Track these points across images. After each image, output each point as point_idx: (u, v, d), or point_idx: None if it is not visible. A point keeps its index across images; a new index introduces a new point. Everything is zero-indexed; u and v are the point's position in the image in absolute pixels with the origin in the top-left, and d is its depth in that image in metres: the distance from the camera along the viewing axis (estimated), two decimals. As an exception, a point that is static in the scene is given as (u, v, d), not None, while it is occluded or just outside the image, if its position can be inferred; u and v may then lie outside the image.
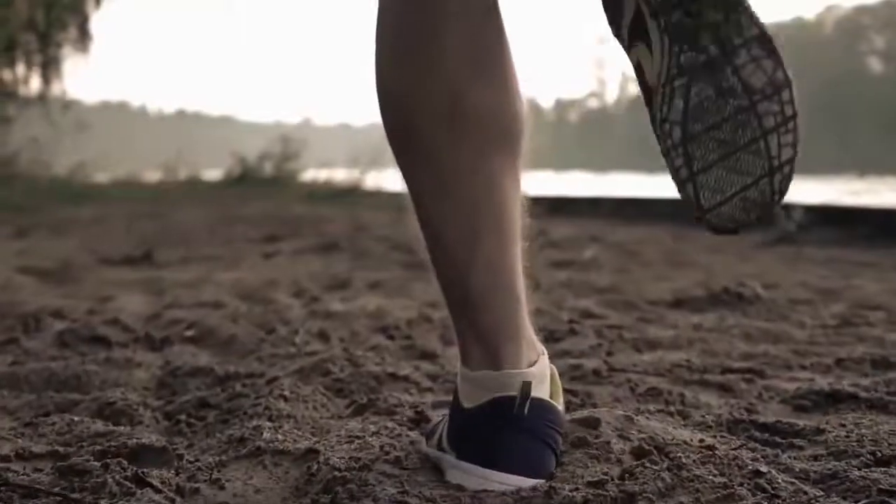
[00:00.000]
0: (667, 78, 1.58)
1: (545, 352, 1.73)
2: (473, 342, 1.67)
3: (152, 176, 21.13)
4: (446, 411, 1.77)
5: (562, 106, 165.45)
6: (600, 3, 1.66)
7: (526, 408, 1.61)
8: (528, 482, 1.58)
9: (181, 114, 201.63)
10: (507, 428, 1.61)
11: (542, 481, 1.58)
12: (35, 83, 21.75)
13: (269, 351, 2.71)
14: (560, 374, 1.78)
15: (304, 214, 10.45)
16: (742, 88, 1.54)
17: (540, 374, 1.66)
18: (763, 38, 1.56)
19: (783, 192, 1.58)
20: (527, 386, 1.61)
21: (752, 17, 1.57)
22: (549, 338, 2.91)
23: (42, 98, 21.25)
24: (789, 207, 8.54)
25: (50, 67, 21.80)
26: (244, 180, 18.49)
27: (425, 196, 1.67)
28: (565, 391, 1.86)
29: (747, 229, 1.61)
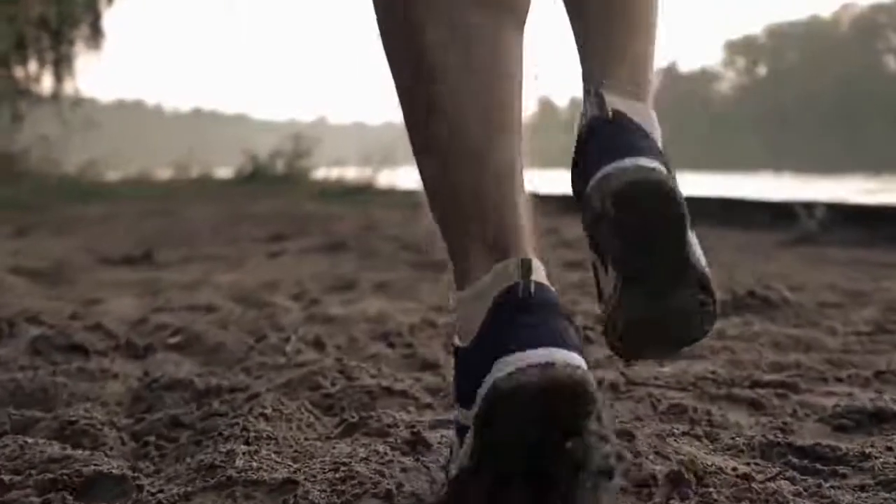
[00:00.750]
0: (616, 301, 1.66)
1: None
2: (479, 252, 1.50)
3: (164, 174, 20.99)
4: (447, 431, 1.62)
5: (576, 104, 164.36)
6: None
7: (532, 288, 1.42)
8: (567, 355, 1.34)
9: (197, 112, 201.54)
10: (522, 309, 1.39)
11: (577, 355, 1.35)
12: (47, 81, 21.68)
13: (257, 360, 2.49)
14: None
15: (314, 213, 10.23)
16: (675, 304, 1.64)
17: (540, 270, 1.49)
18: (702, 277, 1.67)
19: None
20: (527, 262, 1.45)
21: (696, 267, 1.66)
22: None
23: (54, 96, 21.15)
24: (810, 206, 8.32)
25: (62, 65, 21.69)
26: (255, 178, 18.30)
27: (445, 76, 1.50)
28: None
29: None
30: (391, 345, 2.71)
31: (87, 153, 20.39)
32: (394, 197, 12.87)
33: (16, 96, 20.43)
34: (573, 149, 1.69)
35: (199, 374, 2.35)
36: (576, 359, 1.35)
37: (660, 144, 1.68)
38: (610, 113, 1.65)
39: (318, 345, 2.67)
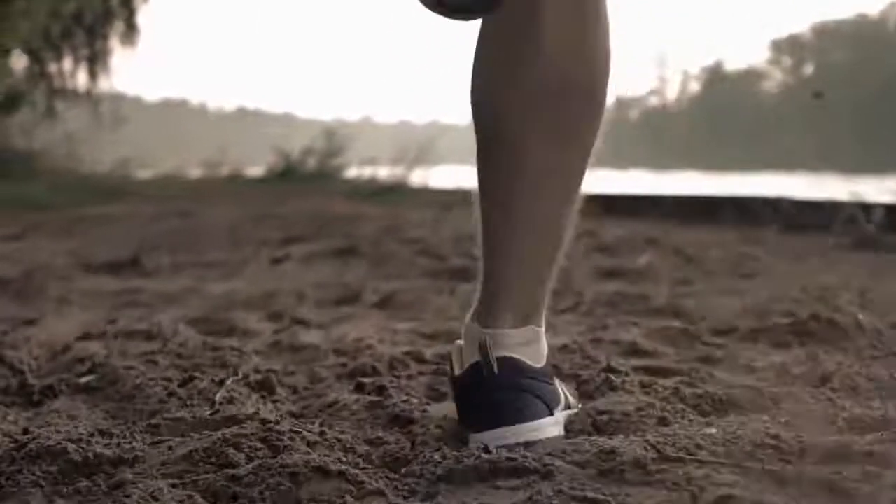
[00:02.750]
0: None
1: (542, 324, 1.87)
2: (500, 306, 1.80)
3: (195, 173, 20.56)
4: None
5: (622, 104, 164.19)
6: None
7: (494, 367, 1.73)
8: (511, 430, 1.70)
9: (241, 111, 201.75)
10: (482, 389, 1.73)
11: (546, 420, 1.73)
12: (82, 78, 21.33)
13: (173, 414, 1.90)
14: (586, 463, 1.58)
15: (339, 213, 9.65)
16: None
17: (521, 340, 1.79)
18: None
19: None
20: (483, 346, 1.73)
21: None
22: (578, 390, 2.10)
23: (88, 93, 20.80)
24: (868, 207, 7.70)
25: (97, 62, 21.32)
26: (286, 177, 17.77)
27: (498, 185, 1.77)
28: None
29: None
30: (359, 387, 2.11)
31: (121, 151, 20.05)
32: (425, 196, 12.30)
33: (50, 93, 20.05)
34: None
35: (86, 435, 1.75)
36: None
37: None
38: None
39: (265, 388, 2.08)
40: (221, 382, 2.04)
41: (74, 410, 1.97)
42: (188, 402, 1.96)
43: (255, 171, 20.17)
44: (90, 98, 20.57)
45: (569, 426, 1.80)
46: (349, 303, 4.13)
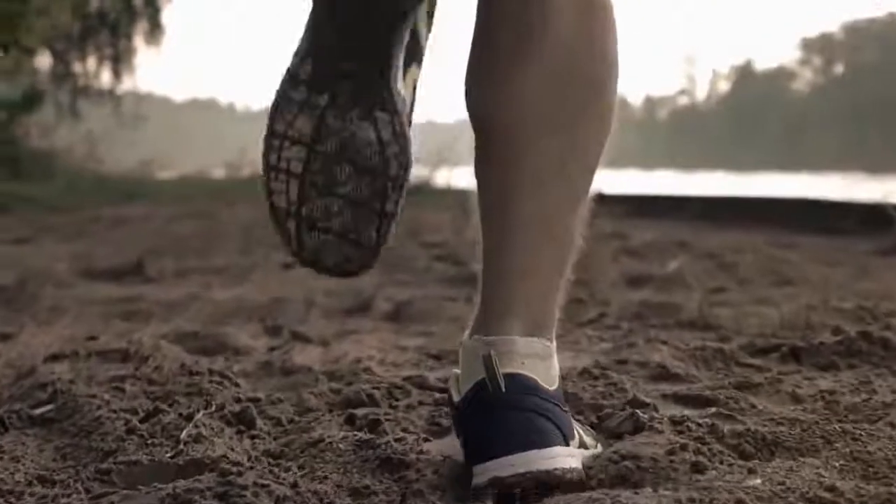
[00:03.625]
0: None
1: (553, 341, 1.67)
2: (505, 312, 1.63)
3: (218, 173, 20.37)
4: None
5: (651, 103, 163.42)
6: None
7: (501, 384, 1.53)
8: (522, 458, 1.47)
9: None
10: (487, 411, 1.53)
11: (555, 448, 1.49)
12: (106, 77, 21.24)
13: (129, 455, 1.62)
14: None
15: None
16: (336, 115, 1.49)
17: (530, 352, 1.59)
18: (379, 85, 1.48)
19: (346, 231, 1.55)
20: (488, 360, 1.53)
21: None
22: (599, 427, 1.83)
23: (112, 92, 20.70)
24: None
25: (121, 61, 21.23)
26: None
27: (509, 196, 1.64)
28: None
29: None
30: (350, 420, 1.84)
31: (145, 151, 19.93)
32: (449, 197, 12.03)
33: (75, 92, 19.93)
34: None
35: (23, 484, 1.50)
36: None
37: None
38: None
39: (242, 422, 1.81)
40: (190, 416, 1.77)
41: (21, 450, 1.70)
42: (149, 441, 1.69)
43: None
44: (113, 97, 20.45)
45: (588, 471, 1.53)
46: (359, 312, 3.89)
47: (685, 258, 5.63)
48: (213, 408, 1.82)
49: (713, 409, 1.93)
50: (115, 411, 1.84)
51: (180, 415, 1.78)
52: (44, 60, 18.90)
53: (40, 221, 9.11)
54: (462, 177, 15.66)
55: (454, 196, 11.93)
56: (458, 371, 1.62)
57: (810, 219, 8.24)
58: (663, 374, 2.23)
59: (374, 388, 2.03)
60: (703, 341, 2.79)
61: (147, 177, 18.07)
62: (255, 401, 1.96)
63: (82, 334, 2.96)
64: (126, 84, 22.20)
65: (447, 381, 1.80)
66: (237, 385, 2.14)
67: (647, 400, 1.86)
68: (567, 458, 1.51)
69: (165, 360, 2.34)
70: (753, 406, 1.97)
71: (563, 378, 1.74)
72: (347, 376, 2.15)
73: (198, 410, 1.81)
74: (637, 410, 1.78)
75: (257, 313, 3.73)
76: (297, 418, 1.88)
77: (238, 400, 1.96)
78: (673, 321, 3.26)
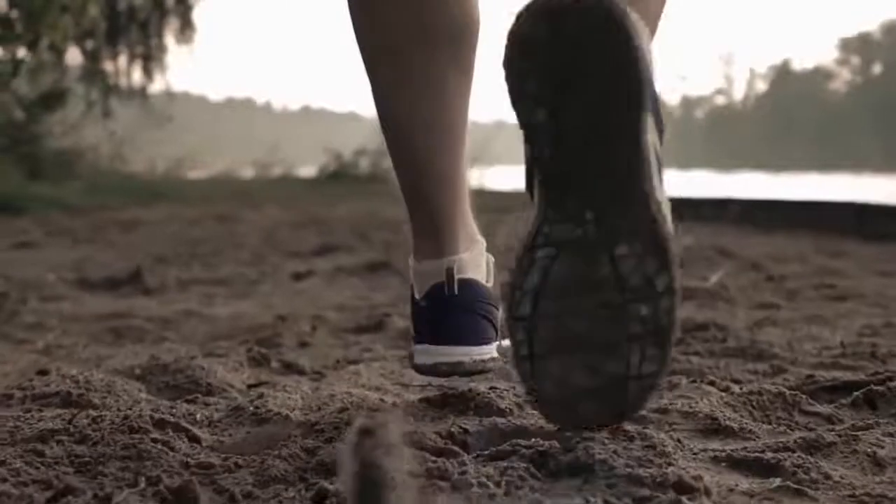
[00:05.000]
0: (531, 242, 1.48)
1: (483, 241, 1.99)
2: (422, 234, 1.93)
3: (247, 173, 20.12)
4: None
5: (688, 103, 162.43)
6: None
7: (455, 288, 1.87)
8: (473, 350, 1.89)
9: (306, 110, 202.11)
10: (443, 308, 1.88)
11: (487, 347, 1.90)
12: (137, 76, 21.03)
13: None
14: None
15: (386, 217, 9.00)
16: (614, 281, 1.42)
17: (472, 259, 1.91)
18: (655, 234, 1.44)
19: (637, 402, 1.47)
20: (450, 271, 1.87)
21: (650, 200, 1.44)
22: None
23: (143, 91, 20.50)
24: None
25: (152, 59, 21.03)
26: (338, 178, 17.23)
27: (392, 101, 1.86)
28: None
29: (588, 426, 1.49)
30: (320, 499, 1.46)
31: (175, 151, 19.72)
32: (480, 198, 11.60)
33: (106, 91, 19.70)
34: None
35: None
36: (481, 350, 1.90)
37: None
38: None
39: (180, 502, 1.42)
40: (108, 498, 1.38)
41: None
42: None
43: (308, 171, 19.68)
44: (144, 96, 20.24)
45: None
46: (370, 331, 3.52)
47: (727, 268, 5.22)
48: (144, 483, 1.42)
49: (777, 481, 1.54)
50: (23, 484, 1.45)
51: (96, 496, 1.39)
52: (74, 58, 18.67)
53: (53, 223, 8.80)
54: (493, 177, 15.30)
55: (486, 197, 11.55)
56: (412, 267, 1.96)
57: (859, 224, 7.80)
58: (713, 427, 1.83)
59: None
60: (758, 379, 2.39)
61: (176, 177, 17.80)
62: (206, 468, 1.57)
63: (44, 363, 2.59)
64: (158, 83, 22.02)
65: (447, 439, 1.61)
66: (193, 441, 1.75)
67: (695, 478, 1.45)
68: (494, 353, 1.94)
69: (112, 407, 1.95)
70: (827, 477, 1.57)
71: (592, 437, 1.60)
72: (328, 430, 1.75)
73: (121, 487, 1.42)
74: (683, 498, 1.38)
75: (255, 333, 3.37)
76: (254, 492, 1.49)
77: (185, 466, 1.57)
78: (719, 348, 2.85)
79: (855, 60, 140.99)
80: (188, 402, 2.08)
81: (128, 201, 11.94)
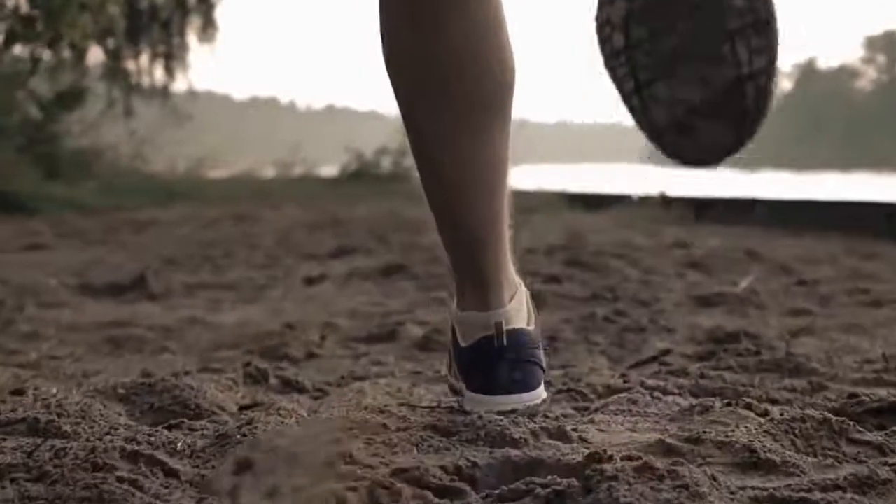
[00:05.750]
0: None
1: (521, 282, 1.97)
2: (466, 284, 1.92)
3: (268, 172, 19.95)
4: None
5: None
6: None
7: (504, 340, 1.88)
8: (527, 396, 1.90)
9: (330, 109, 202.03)
10: (494, 360, 1.89)
11: (538, 391, 1.93)
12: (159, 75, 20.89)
13: None
14: None
15: (407, 218, 8.81)
16: None
17: (516, 307, 1.91)
18: None
19: (760, 109, 1.39)
20: (499, 326, 1.88)
21: None
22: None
23: (165, 90, 20.37)
24: None
25: (174, 58, 20.89)
26: (359, 177, 17.04)
27: (429, 149, 1.84)
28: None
29: (721, 158, 1.36)
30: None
31: (197, 150, 19.59)
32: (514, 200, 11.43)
33: (128, 90, 19.57)
34: None
35: None
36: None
37: None
38: None
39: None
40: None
41: None
42: None
43: (330, 170, 19.51)
44: (166, 95, 20.12)
45: None
46: (382, 340, 3.35)
47: (757, 272, 5.02)
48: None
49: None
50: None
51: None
52: (96, 57, 18.57)
53: (67, 224, 8.64)
54: (517, 177, 15.05)
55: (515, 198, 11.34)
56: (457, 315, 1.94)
57: (891, 225, 7.57)
58: (752, 461, 1.63)
59: (348, 488, 1.45)
60: (797, 398, 2.20)
61: (196, 176, 17.65)
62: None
63: (25, 379, 2.41)
64: (180, 82, 21.89)
65: (453, 475, 1.37)
66: (169, 475, 1.56)
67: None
68: (544, 393, 1.96)
69: (82, 436, 1.77)
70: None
71: (615, 475, 1.46)
72: (319, 464, 1.57)
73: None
74: None
75: (260, 343, 3.20)
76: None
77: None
78: (753, 362, 2.64)
79: (881, 59, 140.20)
80: (171, 427, 1.90)
81: (145, 201, 11.77)
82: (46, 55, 15.07)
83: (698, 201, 10.29)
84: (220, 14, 24.87)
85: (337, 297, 4.35)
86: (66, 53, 15.37)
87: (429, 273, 4.84)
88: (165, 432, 1.81)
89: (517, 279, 1.97)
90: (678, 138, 1.44)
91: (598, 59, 1.43)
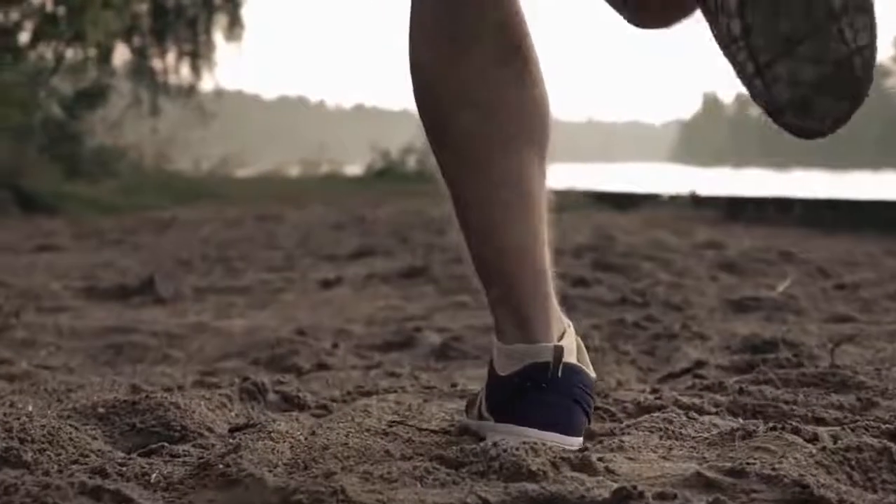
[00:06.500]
0: None
1: (570, 324, 1.82)
2: (506, 317, 1.79)
3: (294, 171, 19.84)
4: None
5: (743, 101, 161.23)
6: None
7: (560, 371, 1.72)
8: (563, 439, 1.69)
9: (359, 108, 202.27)
10: (541, 390, 1.72)
11: (578, 439, 1.72)
12: (185, 73, 20.81)
13: None
14: None
15: (430, 218, 8.61)
16: None
17: (568, 346, 1.76)
18: None
19: (868, 76, 1.49)
20: (559, 351, 1.73)
21: None
22: None
23: (192, 89, 20.30)
24: None
25: (200, 57, 20.80)
26: (385, 176, 16.87)
27: (455, 178, 1.78)
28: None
29: (836, 127, 1.51)
30: None
31: (227, 149, 19.51)
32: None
33: (154, 88, 19.50)
34: None
35: None
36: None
37: None
38: None
39: None
40: None
41: None
42: None
43: (357, 169, 19.37)
44: (192, 94, 20.04)
45: None
46: (398, 348, 3.18)
47: (794, 274, 4.80)
48: None
49: None
50: None
51: None
52: (123, 56, 18.51)
53: (86, 225, 8.49)
54: (559, 176, 14.82)
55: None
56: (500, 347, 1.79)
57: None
58: (804, 499, 1.42)
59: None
60: (846, 417, 1.99)
61: (223, 175, 17.54)
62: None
63: (2, 394, 2.21)
64: (207, 80, 21.79)
65: None
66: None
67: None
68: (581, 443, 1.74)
69: (42, 466, 1.57)
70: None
71: None
72: (306, 502, 1.37)
73: None
74: None
75: (269, 351, 3.02)
76: None
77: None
78: (795, 375, 2.43)
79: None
80: (150, 452, 1.70)
81: (169, 201, 11.61)
82: (70, 53, 14.97)
83: (729, 200, 10.08)
84: (248, 13, 24.79)
85: (353, 301, 4.17)
86: (91, 52, 15.28)
87: (450, 275, 4.64)
88: (140, 460, 1.61)
89: (565, 318, 1.84)
90: (798, 113, 1.49)
91: (714, 45, 1.52)
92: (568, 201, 10.75)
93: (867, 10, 1.48)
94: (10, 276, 4.59)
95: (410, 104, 1.84)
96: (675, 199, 10.72)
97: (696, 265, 5.25)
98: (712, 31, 1.55)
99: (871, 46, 1.49)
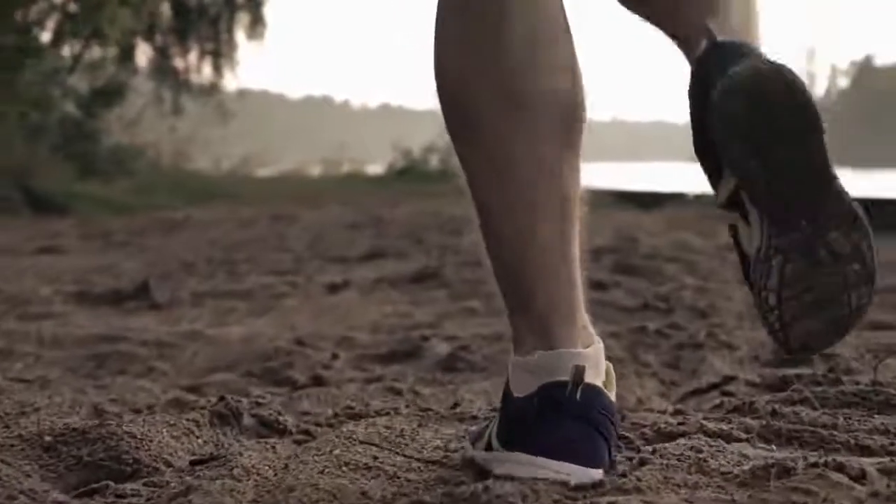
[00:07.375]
0: (765, 255, 1.64)
1: (601, 341, 1.69)
2: (526, 327, 1.65)
3: (315, 171, 19.71)
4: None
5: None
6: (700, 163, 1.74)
7: (578, 393, 1.58)
8: (580, 471, 1.54)
9: (385, 107, 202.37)
10: (557, 414, 1.58)
11: (597, 472, 1.55)
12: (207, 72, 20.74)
13: None
14: None
15: (449, 217, 8.39)
16: (832, 260, 1.63)
17: (594, 359, 1.64)
18: (850, 214, 1.62)
19: (853, 327, 1.69)
20: (580, 369, 1.59)
21: (841, 195, 1.63)
22: None
23: (214, 87, 20.22)
24: None
25: (221, 56, 20.73)
26: (405, 175, 16.70)
27: (481, 181, 1.66)
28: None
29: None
30: None
31: (249, 149, 19.42)
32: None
33: (177, 87, 19.40)
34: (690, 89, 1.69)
35: None
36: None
37: None
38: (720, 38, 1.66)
39: None
40: None
41: None
42: None
43: (378, 169, 19.23)
44: (214, 92, 19.96)
45: None
46: (402, 359, 2.98)
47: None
48: None
49: None
50: None
51: None
52: (145, 55, 18.46)
53: (95, 225, 8.32)
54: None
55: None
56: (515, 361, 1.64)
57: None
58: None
59: None
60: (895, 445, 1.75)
61: (243, 174, 17.42)
62: None
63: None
64: (229, 79, 21.72)
65: None
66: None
67: None
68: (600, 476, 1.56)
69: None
70: None
71: None
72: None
73: None
74: None
75: (263, 362, 2.83)
76: None
77: None
78: (833, 394, 2.18)
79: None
80: (92, 492, 1.47)
81: (183, 201, 11.43)
82: (90, 52, 14.86)
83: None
84: (271, 11, 24.72)
85: (360, 306, 3.96)
86: (111, 50, 15.17)
87: (462, 279, 4.43)
88: (105, 495, 1.38)
89: (595, 335, 1.69)
90: (801, 351, 1.69)
91: (755, 301, 1.66)
92: (589, 201, 10.54)
93: (872, 282, 1.65)
94: (11, 277, 4.40)
95: (436, 104, 1.70)
96: (700, 199, 10.51)
97: (722, 268, 5.02)
98: (752, 291, 1.68)
99: (867, 305, 1.67)
